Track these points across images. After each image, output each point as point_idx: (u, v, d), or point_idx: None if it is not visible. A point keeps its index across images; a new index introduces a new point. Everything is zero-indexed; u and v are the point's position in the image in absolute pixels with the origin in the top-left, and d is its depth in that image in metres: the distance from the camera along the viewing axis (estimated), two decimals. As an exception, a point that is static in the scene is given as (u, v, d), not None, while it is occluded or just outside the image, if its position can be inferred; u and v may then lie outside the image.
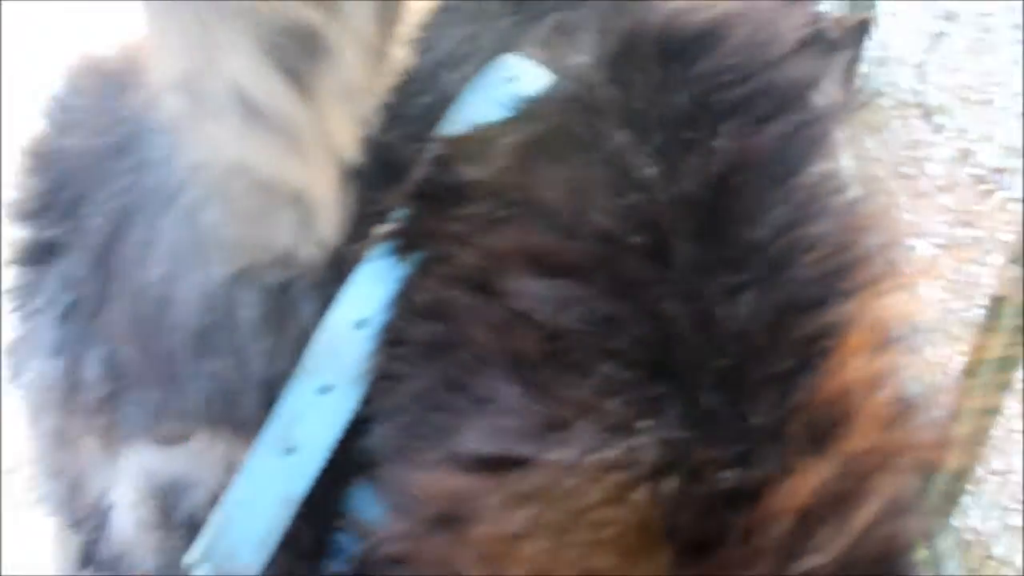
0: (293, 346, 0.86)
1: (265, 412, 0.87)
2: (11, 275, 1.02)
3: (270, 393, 0.87)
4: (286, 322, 0.87)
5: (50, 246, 0.95)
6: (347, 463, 0.86)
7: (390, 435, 0.78)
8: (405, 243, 0.84)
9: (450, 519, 0.66)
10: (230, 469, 0.92)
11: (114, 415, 0.93)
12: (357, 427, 0.85)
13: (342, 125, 0.81)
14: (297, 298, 0.86)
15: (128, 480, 0.99)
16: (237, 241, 0.85)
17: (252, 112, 0.78)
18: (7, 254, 1.02)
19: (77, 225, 0.92)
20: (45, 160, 0.97)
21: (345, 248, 0.86)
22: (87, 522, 1.06)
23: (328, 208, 0.84)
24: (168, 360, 0.88)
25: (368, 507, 0.88)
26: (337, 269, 0.86)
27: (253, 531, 0.88)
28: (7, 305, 1.03)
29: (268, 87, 0.77)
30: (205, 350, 0.87)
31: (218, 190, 0.84)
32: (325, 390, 0.84)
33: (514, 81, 0.87)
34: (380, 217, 0.86)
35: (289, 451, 0.85)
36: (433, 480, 0.69)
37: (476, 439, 0.70)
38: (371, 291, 0.84)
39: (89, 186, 0.91)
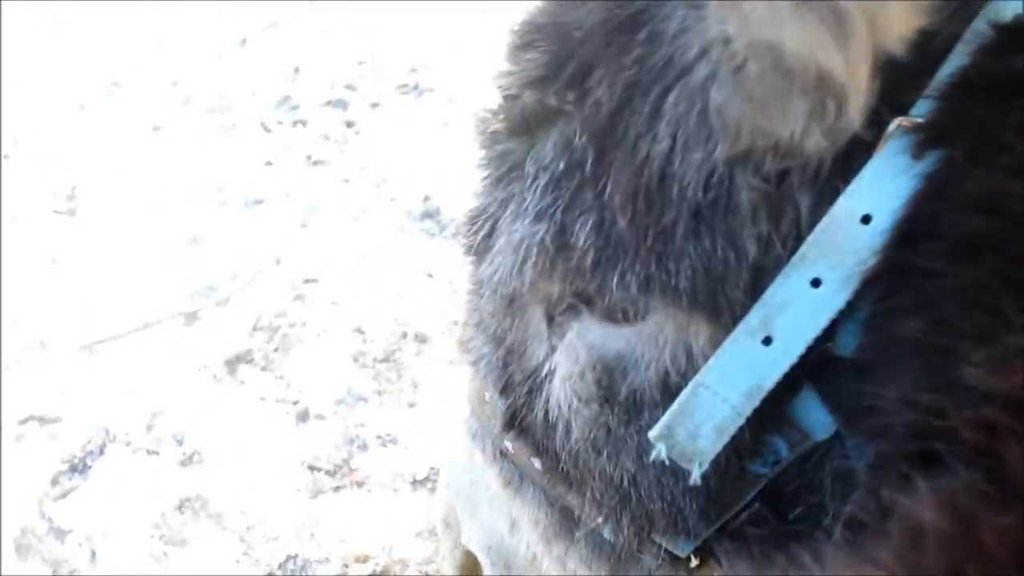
0: (786, 235, 0.85)
1: (747, 298, 0.87)
2: (488, 144, 1.04)
3: (756, 279, 0.86)
4: (782, 210, 0.85)
5: (548, 115, 0.96)
6: (803, 365, 0.85)
7: (910, 330, 0.75)
8: (937, 136, 0.79)
9: None
10: (685, 352, 0.93)
11: (599, 283, 0.94)
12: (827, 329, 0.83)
13: (898, 17, 0.77)
14: (795, 187, 0.85)
15: (571, 353, 1.02)
16: (743, 123, 0.84)
17: None
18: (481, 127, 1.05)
19: (581, 96, 0.92)
20: (548, 33, 0.98)
21: (854, 141, 0.82)
22: (519, 388, 1.10)
23: (852, 99, 0.80)
24: (662, 234, 0.89)
25: (813, 414, 0.88)
26: (842, 162, 0.83)
27: (716, 416, 0.89)
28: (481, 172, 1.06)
29: None
30: (700, 228, 0.87)
31: (735, 69, 0.82)
32: (817, 283, 0.83)
33: None
34: (899, 109, 0.81)
35: (767, 340, 0.85)
36: (1006, 377, 0.65)
37: None
38: (884, 185, 0.80)
39: (597, 58, 0.91)
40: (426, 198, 3.51)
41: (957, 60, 0.80)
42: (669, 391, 0.95)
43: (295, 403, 2.91)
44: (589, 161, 0.92)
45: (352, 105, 4.06)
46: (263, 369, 3.02)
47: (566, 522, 1.16)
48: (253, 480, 2.73)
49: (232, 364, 3.03)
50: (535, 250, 0.98)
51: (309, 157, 3.79)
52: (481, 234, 1.07)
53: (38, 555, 2.62)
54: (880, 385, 0.78)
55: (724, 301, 0.89)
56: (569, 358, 1.03)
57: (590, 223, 0.93)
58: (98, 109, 4.16)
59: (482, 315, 1.14)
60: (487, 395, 1.17)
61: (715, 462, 0.92)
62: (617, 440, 1.02)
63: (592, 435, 1.03)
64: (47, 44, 4.52)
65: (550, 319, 1.05)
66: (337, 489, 2.69)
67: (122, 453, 2.84)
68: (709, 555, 1.06)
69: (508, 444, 1.15)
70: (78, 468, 2.81)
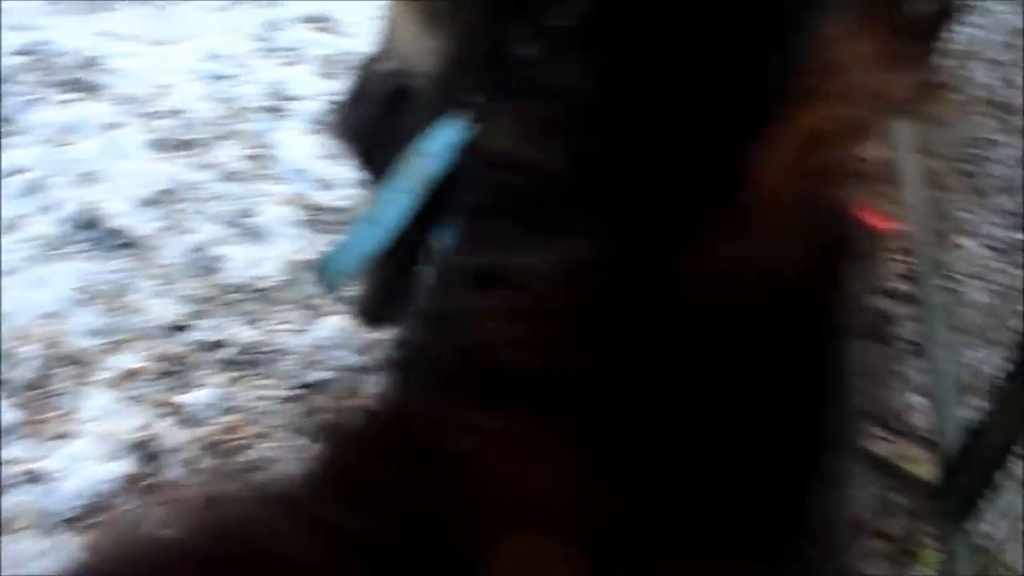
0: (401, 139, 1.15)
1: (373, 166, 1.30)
2: None
3: (382, 158, 1.21)
4: (403, 119, 1.21)
5: None
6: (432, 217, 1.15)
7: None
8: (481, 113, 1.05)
9: None
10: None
11: None
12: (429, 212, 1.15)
13: None
14: (414, 107, 1.20)
15: None
16: (399, 46, 1.24)
17: None
18: None
19: None
20: None
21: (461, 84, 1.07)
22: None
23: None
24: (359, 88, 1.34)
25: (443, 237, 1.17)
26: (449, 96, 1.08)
27: (355, 256, 1.19)
28: None
29: None
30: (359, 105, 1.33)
31: None
32: (397, 190, 1.14)
33: None
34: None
35: (373, 222, 1.17)
36: None
37: None
38: (445, 132, 1.08)
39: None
40: (85, 207, 3.26)
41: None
42: None
43: (-73, 442, 2.61)
44: None
45: (7, 100, 3.71)
46: None
47: None
48: None
49: None
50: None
51: (-48, 160, 3.42)
52: None
53: None
54: None
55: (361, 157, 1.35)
56: None
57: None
58: None
59: None
60: None
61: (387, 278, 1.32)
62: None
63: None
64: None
65: None
66: (-21, 536, 2.45)
67: None
68: None
69: None
70: None
